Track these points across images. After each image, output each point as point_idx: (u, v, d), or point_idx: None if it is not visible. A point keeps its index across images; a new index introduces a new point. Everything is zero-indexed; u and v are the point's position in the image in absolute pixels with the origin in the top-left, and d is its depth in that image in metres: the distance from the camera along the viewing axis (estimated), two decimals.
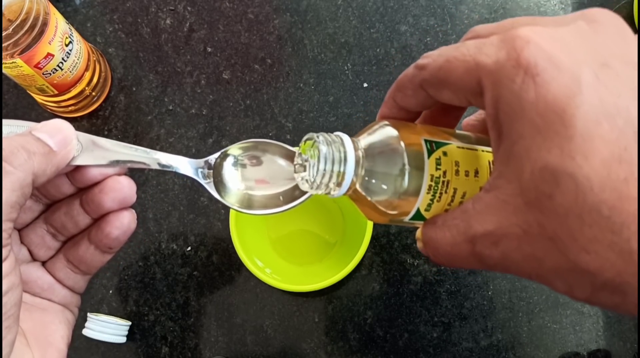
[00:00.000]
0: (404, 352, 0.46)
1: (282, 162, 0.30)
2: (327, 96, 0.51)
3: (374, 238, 0.48)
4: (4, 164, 0.21)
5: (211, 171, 0.30)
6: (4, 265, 0.22)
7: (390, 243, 0.48)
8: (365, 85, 0.51)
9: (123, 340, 0.47)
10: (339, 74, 0.52)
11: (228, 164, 0.30)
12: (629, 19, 0.52)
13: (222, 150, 0.31)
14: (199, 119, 0.51)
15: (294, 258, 0.48)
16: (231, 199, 0.30)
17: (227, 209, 0.49)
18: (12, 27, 0.39)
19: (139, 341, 0.48)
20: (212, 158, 0.30)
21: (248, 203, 0.30)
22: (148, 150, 0.28)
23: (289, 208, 0.29)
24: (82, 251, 0.28)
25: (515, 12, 0.52)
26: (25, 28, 0.40)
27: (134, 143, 0.50)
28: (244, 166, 0.31)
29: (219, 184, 0.30)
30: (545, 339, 0.46)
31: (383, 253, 0.48)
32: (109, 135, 0.51)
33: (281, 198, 0.30)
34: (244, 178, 0.30)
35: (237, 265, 0.48)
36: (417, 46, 0.52)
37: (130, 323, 0.47)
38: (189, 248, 0.49)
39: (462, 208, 0.21)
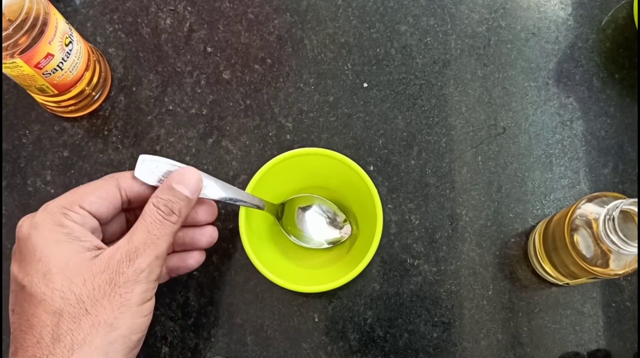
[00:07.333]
0: (404, 352, 0.46)
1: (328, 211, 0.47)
2: (327, 96, 0.51)
3: None
4: (171, 215, 0.34)
5: (283, 213, 0.45)
6: (152, 287, 0.34)
7: (390, 243, 0.48)
8: (365, 85, 0.51)
9: None
10: (339, 74, 0.52)
11: (310, 215, 0.46)
12: (629, 19, 0.52)
13: (295, 196, 0.46)
14: (199, 119, 0.51)
15: (302, 263, 0.47)
16: (306, 237, 0.46)
17: (227, 209, 0.49)
18: (12, 27, 0.39)
19: None
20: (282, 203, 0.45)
21: (309, 240, 0.46)
22: (239, 190, 0.40)
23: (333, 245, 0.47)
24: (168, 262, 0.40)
25: (516, 12, 0.52)
26: (25, 28, 0.40)
27: (134, 143, 0.50)
28: (321, 215, 0.46)
29: (292, 226, 0.46)
30: (545, 339, 0.46)
31: (383, 253, 0.48)
32: (109, 135, 0.51)
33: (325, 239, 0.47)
34: (318, 224, 0.46)
35: (237, 265, 0.48)
36: (417, 46, 0.52)
37: None
38: None
39: None
